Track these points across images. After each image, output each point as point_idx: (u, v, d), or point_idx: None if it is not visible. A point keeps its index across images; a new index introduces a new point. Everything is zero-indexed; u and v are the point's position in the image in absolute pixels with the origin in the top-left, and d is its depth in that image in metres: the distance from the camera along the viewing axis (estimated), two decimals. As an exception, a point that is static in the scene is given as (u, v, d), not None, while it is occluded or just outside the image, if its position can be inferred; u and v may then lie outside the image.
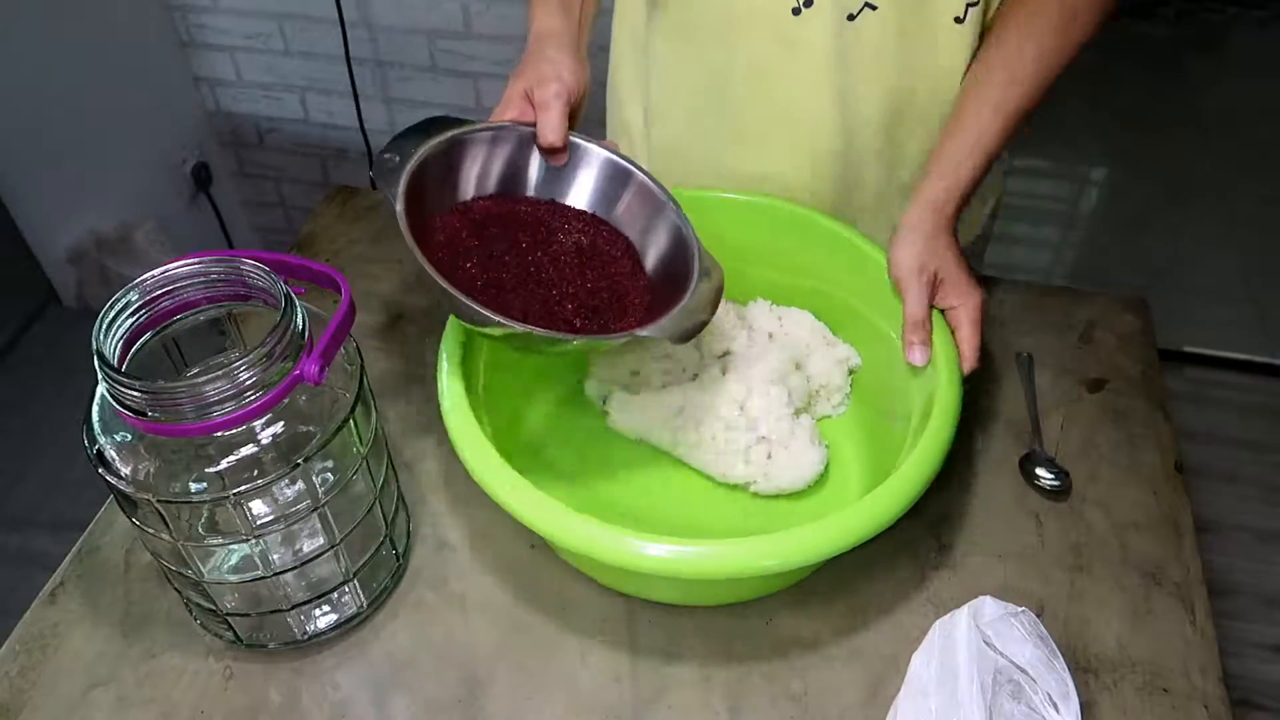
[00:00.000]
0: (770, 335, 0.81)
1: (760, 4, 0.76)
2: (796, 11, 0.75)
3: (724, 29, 0.79)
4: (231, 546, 0.61)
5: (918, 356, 0.68)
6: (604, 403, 0.81)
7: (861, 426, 0.79)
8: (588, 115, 0.76)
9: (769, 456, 0.74)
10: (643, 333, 0.64)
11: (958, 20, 0.75)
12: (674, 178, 0.76)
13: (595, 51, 0.80)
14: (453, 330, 0.69)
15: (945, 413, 0.64)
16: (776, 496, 0.75)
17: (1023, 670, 0.56)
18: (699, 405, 0.76)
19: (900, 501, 0.59)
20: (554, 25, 0.75)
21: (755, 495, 0.75)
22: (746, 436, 0.74)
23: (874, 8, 0.74)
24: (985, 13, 0.76)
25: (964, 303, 0.70)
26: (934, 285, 0.71)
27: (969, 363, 0.69)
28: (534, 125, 0.71)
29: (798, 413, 0.76)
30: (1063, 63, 0.74)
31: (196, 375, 0.58)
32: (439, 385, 0.66)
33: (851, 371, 0.81)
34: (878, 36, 0.75)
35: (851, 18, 0.75)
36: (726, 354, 0.80)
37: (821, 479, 0.75)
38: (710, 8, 0.79)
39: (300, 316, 0.55)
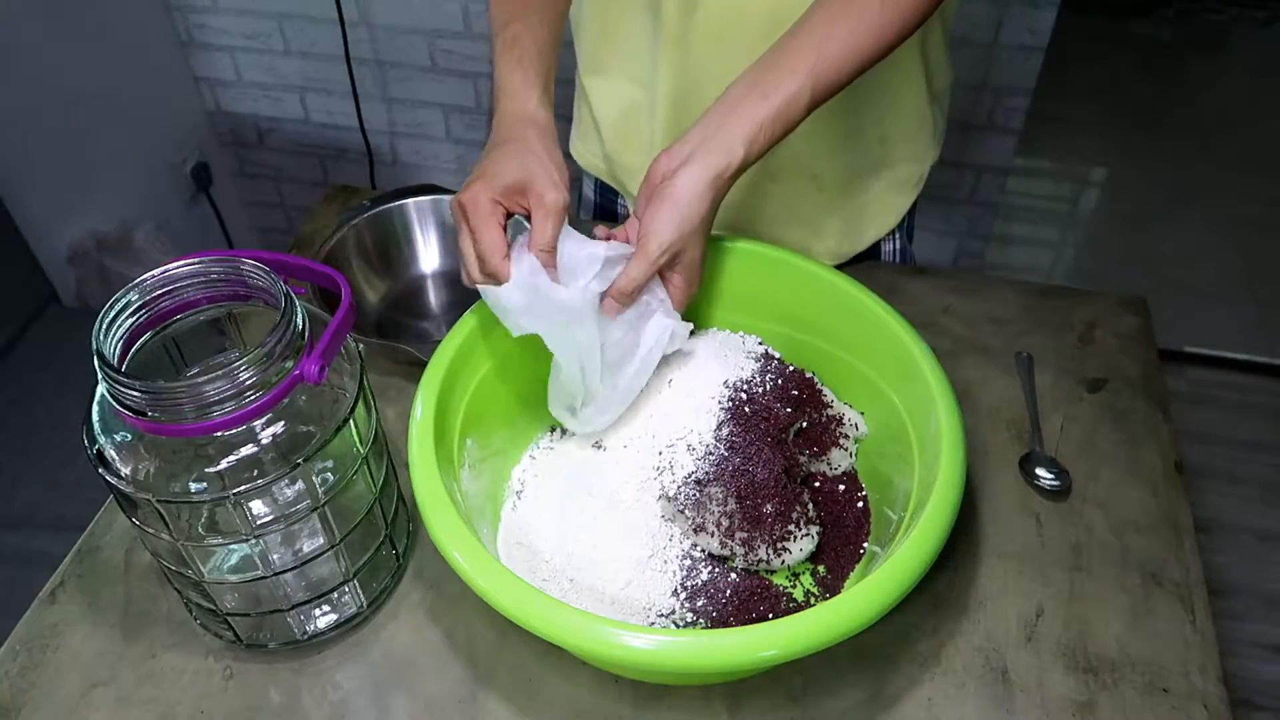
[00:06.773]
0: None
1: None
2: None
3: None
4: (231, 546, 0.61)
5: (609, 307, 0.66)
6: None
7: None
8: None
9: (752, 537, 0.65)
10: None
11: None
12: None
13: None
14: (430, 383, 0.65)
15: (944, 502, 0.58)
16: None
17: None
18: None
19: (892, 594, 0.54)
20: (533, 110, 0.71)
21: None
22: (727, 515, 0.65)
23: None
24: None
25: (687, 276, 0.69)
26: (670, 261, 0.67)
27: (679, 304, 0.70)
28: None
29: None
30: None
31: (196, 375, 0.58)
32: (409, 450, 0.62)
33: (857, 441, 0.74)
34: None
35: None
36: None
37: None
38: None
39: (300, 316, 0.55)
